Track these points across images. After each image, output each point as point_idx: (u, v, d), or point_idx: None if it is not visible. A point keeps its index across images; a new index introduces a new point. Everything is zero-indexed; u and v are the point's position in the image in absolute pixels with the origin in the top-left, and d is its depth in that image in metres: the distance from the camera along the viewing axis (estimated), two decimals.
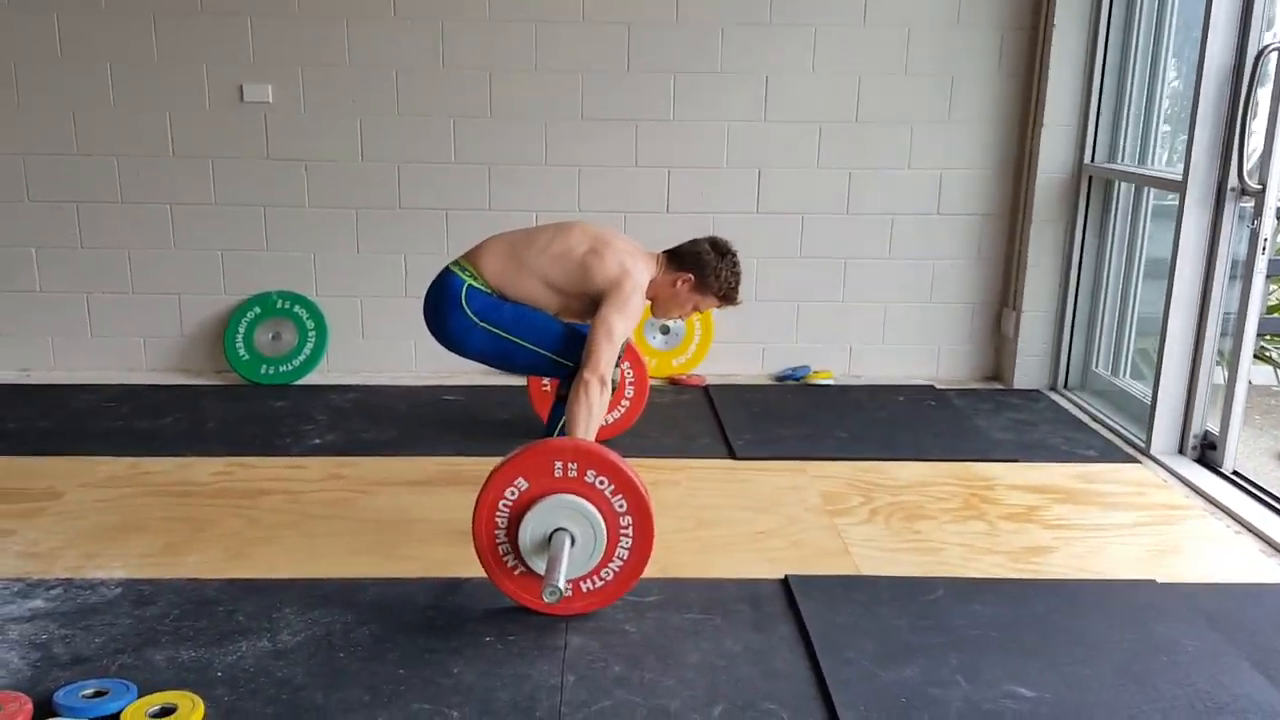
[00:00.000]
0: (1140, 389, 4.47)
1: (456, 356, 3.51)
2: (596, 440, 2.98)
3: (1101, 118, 4.62)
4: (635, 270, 3.38)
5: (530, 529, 2.71)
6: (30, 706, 2.32)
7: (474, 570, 2.85)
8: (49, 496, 3.52)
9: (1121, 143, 4.59)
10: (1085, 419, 4.51)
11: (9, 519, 3.34)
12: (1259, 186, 3.66)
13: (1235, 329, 3.77)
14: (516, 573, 2.77)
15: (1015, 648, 2.67)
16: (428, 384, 4.79)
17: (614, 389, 3.28)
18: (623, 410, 4.08)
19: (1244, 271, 3.73)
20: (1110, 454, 4.10)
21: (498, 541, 2.75)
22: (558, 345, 3.41)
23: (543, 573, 2.69)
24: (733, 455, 3.99)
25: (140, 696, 2.37)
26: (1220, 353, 3.98)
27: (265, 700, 2.41)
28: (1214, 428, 3.94)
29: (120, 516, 3.38)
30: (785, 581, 3.01)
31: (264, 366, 4.80)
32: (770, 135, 4.78)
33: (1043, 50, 4.65)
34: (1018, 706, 2.43)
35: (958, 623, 2.79)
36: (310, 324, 4.83)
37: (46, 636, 2.65)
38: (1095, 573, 3.13)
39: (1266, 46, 3.63)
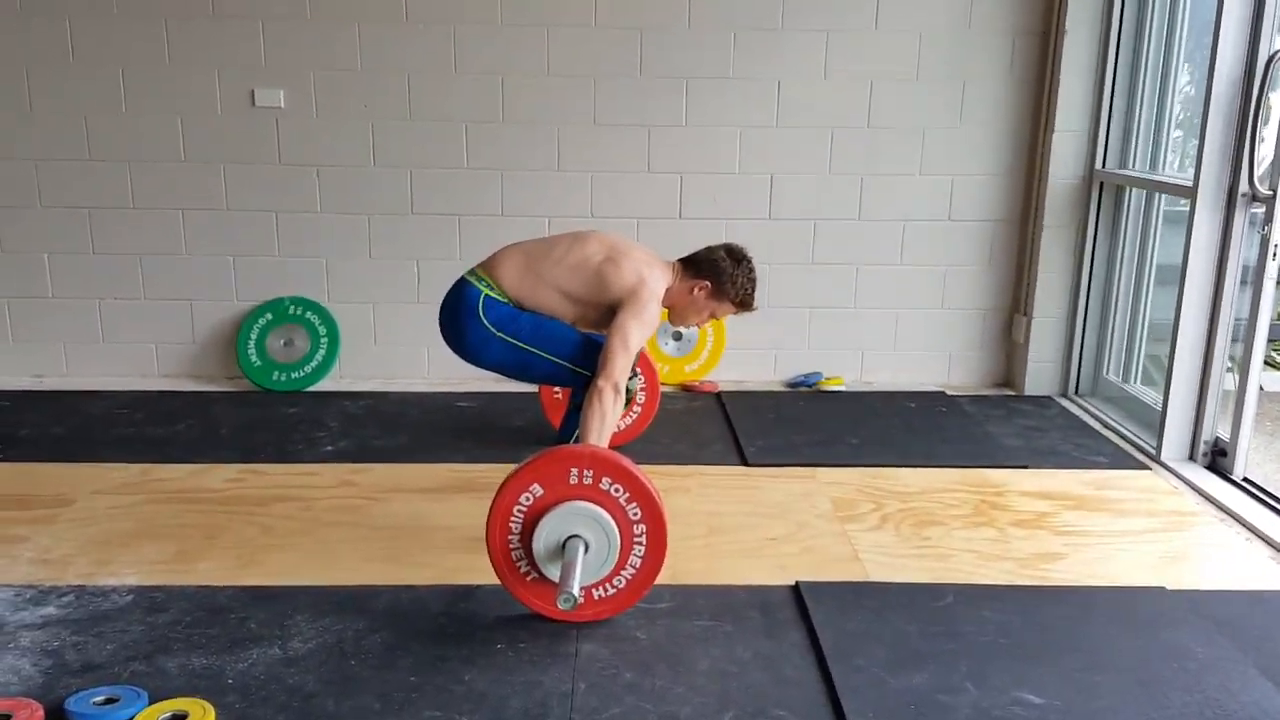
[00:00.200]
0: (1151, 395, 4.46)
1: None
2: (609, 446, 2.99)
3: (1113, 123, 4.61)
4: (651, 279, 3.38)
5: (545, 535, 2.72)
6: (41, 713, 2.33)
7: (485, 577, 2.86)
8: (61, 503, 3.53)
9: (1132, 148, 4.58)
10: (1096, 425, 4.50)
11: (22, 525, 3.36)
12: (1270, 192, 3.65)
13: (1246, 335, 3.76)
14: (529, 579, 2.78)
15: (1025, 654, 2.67)
16: (440, 390, 4.80)
17: (629, 399, 3.27)
18: (634, 417, 4.08)
19: (1255, 277, 3.72)
20: (1121, 460, 4.10)
21: (511, 547, 2.76)
22: (576, 355, 3.41)
23: (556, 579, 2.69)
24: (744, 462, 4.00)
25: (151, 703, 2.38)
26: (1231, 359, 3.97)
27: (277, 707, 2.41)
28: (1225, 434, 3.94)
29: (132, 523, 3.39)
30: (796, 588, 3.01)
31: (276, 373, 4.81)
32: (782, 141, 4.78)
33: (1054, 56, 4.64)
34: (1027, 713, 2.43)
35: (967, 629, 2.79)
36: (322, 330, 4.84)
37: (58, 643, 2.66)
38: (1105, 579, 3.13)
39: (1277, 52, 3.63)
